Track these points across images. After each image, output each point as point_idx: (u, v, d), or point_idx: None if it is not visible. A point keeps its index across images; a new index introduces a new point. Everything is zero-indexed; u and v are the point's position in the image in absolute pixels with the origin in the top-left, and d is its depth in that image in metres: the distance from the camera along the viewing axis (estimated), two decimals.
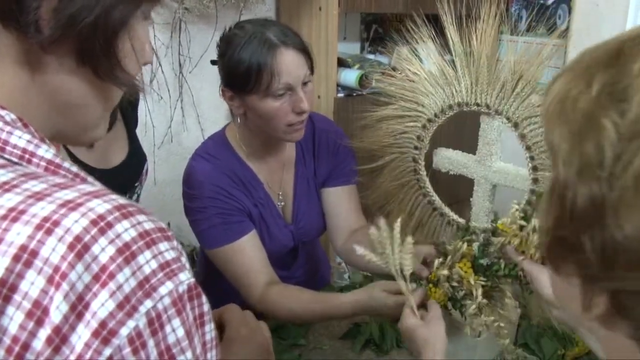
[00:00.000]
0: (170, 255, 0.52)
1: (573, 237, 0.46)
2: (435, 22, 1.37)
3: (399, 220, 1.08)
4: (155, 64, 2.23)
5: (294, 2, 2.40)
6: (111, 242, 0.48)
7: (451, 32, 1.27)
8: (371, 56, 2.67)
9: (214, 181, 1.39)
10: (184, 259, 0.54)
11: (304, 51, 1.33)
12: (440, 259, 1.14)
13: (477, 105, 1.24)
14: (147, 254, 0.50)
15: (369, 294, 1.28)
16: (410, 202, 1.41)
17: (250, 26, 1.31)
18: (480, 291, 1.10)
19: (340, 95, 2.36)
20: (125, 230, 0.49)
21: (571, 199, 0.45)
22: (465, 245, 1.13)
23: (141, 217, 0.51)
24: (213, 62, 1.41)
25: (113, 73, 0.57)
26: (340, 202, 1.56)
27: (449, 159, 1.37)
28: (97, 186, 0.54)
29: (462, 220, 1.33)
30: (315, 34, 2.32)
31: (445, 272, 1.12)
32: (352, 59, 2.48)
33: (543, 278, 0.95)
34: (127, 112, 1.46)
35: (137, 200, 1.50)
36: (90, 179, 0.57)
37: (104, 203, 0.50)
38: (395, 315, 1.22)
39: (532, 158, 1.18)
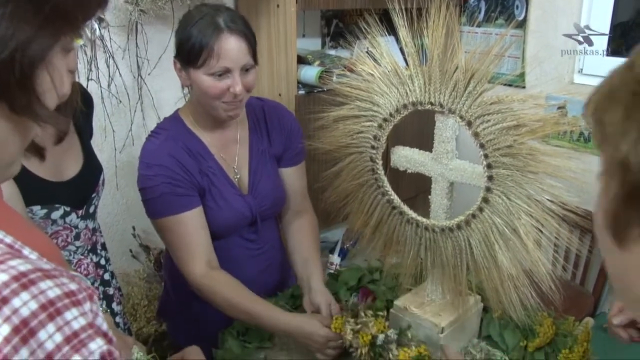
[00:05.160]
0: (79, 323, 0.48)
1: None
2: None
3: None
4: (113, 68, 2.20)
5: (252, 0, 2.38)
6: (6, 320, 0.44)
7: (402, 32, 1.26)
8: (332, 51, 2.66)
9: (165, 150, 1.46)
10: (99, 321, 0.50)
11: (248, 40, 1.41)
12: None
13: (431, 104, 1.24)
14: (50, 327, 0.46)
15: (306, 319, 1.42)
16: (370, 201, 1.41)
17: (207, 8, 1.42)
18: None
19: (301, 92, 2.35)
20: (24, 304, 0.45)
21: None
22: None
23: (45, 285, 0.47)
24: None
25: (31, 108, 0.54)
26: (291, 182, 1.70)
27: (406, 157, 1.37)
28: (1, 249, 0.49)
29: (421, 219, 1.33)
30: (274, 31, 2.30)
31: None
32: (313, 56, 2.47)
33: None
34: (80, 123, 1.43)
35: (95, 211, 1.47)
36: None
37: (1, 274, 0.46)
38: (320, 346, 1.39)
39: (485, 156, 1.18)
